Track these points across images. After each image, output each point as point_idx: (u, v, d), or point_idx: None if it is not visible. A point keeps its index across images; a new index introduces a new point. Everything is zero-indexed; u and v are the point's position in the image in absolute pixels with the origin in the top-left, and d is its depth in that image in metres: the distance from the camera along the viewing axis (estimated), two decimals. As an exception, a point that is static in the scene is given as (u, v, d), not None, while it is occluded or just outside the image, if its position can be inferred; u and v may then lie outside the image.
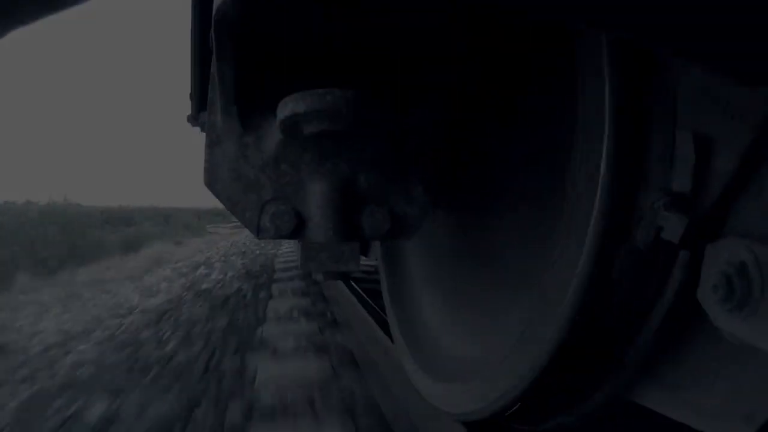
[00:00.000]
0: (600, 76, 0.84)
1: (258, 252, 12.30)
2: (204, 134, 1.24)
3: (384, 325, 2.57)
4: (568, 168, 0.98)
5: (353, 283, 4.85)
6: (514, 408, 1.14)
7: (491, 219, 1.51)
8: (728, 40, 0.54)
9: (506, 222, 1.43)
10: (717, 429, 0.74)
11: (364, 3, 1.01)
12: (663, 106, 0.78)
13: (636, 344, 0.87)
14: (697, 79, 0.73)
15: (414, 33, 1.10)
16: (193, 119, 3.20)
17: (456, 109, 1.44)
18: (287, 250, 11.80)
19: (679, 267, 0.74)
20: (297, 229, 1.18)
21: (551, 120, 1.21)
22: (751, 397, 0.69)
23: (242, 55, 1.03)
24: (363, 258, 2.63)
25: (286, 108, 1.03)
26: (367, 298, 4.12)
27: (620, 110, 0.82)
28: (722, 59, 0.58)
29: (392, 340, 2.09)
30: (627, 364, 0.90)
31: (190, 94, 2.99)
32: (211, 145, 1.19)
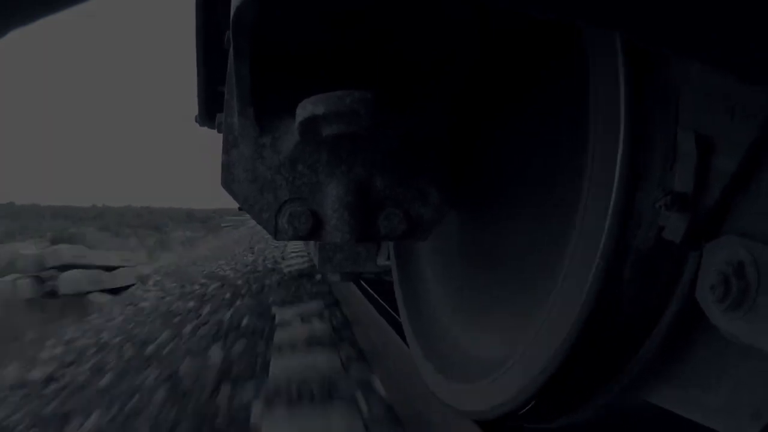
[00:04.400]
0: (612, 76, 0.84)
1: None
2: (221, 135, 1.25)
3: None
4: (577, 167, 0.98)
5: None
6: (528, 407, 1.14)
7: (504, 219, 1.51)
8: (729, 39, 0.54)
9: (520, 222, 1.43)
10: (724, 426, 0.74)
11: (369, 13, 1.02)
12: (665, 105, 0.78)
13: (645, 343, 0.87)
14: (699, 79, 0.73)
15: (426, 37, 1.11)
16: (200, 119, 3.20)
17: (469, 111, 1.45)
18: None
19: (683, 267, 0.74)
20: (314, 230, 1.19)
21: (562, 120, 1.21)
22: (758, 394, 0.69)
23: (259, 56, 1.04)
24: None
25: (305, 110, 1.04)
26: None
27: (627, 110, 0.82)
28: (724, 58, 0.59)
29: (405, 340, 2.10)
30: (637, 363, 0.90)
31: (198, 94, 3.01)
32: (228, 146, 1.20)
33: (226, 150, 1.20)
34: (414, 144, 1.24)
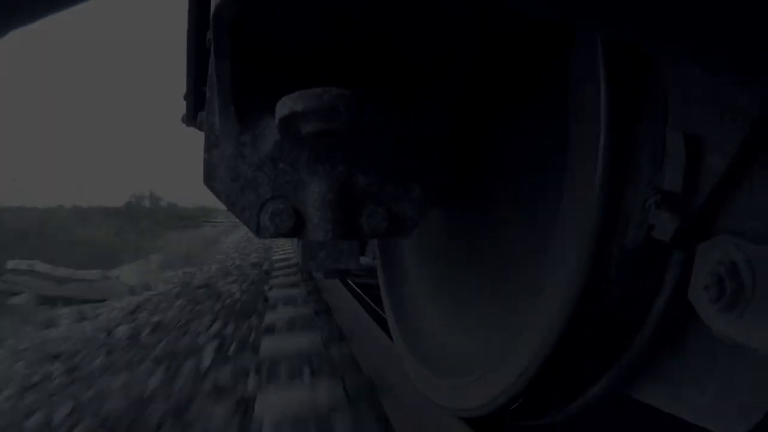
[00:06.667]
0: (594, 77, 0.85)
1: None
2: (203, 134, 1.24)
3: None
4: (565, 168, 0.98)
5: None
6: (515, 404, 1.15)
7: (489, 216, 1.51)
8: (718, 39, 0.54)
9: (505, 219, 1.43)
10: (713, 423, 0.75)
11: (367, 13, 1.01)
12: (654, 105, 0.78)
13: (633, 341, 0.88)
14: (688, 79, 0.73)
15: (426, 37, 1.10)
16: (188, 119, 3.16)
17: (455, 111, 1.45)
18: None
19: (672, 266, 0.75)
20: (296, 228, 1.18)
21: (550, 122, 1.21)
22: (746, 392, 0.70)
23: (240, 54, 1.03)
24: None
25: (284, 107, 1.03)
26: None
27: (612, 110, 0.82)
28: (713, 58, 0.59)
29: (391, 338, 2.10)
30: (624, 361, 0.90)
31: (185, 95, 2.96)
32: (209, 144, 1.19)
33: (208, 148, 1.19)
34: (399, 142, 1.23)
